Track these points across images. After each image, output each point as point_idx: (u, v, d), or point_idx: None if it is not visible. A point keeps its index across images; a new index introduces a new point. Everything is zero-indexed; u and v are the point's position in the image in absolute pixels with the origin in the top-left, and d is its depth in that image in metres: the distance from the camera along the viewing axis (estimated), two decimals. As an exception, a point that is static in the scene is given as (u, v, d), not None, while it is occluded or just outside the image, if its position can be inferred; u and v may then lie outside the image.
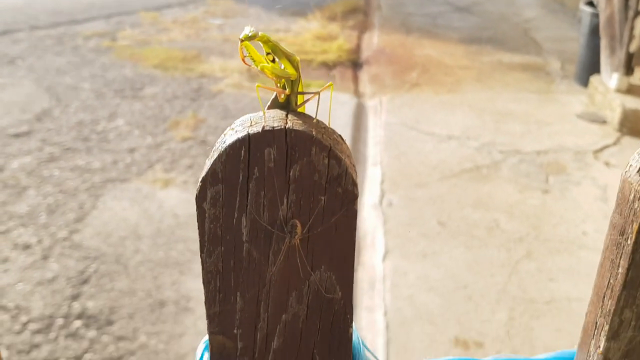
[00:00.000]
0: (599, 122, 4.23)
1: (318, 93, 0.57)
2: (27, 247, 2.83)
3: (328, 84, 0.58)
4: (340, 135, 0.56)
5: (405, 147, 3.81)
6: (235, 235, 0.55)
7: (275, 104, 0.58)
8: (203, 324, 2.37)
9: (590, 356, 0.62)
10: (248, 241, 0.55)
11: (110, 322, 2.38)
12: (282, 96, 0.57)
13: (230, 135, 0.53)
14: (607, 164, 3.66)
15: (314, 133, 0.51)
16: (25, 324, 2.36)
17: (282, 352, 0.60)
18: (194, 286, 2.59)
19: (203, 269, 0.58)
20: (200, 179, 0.54)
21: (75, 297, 2.51)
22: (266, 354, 0.60)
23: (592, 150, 3.83)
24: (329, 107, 0.59)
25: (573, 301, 2.48)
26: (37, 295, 2.51)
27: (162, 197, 3.28)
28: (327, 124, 0.56)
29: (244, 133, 0.52)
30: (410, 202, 3.20)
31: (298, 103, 0.58)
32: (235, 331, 0.60)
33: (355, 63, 5.75)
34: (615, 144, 3.92)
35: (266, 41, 0.55)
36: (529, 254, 2.79)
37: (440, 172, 3.52)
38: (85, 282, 2.60)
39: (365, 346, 0.64)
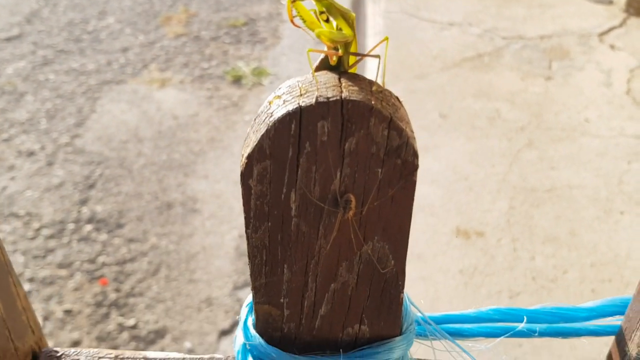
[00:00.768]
0: (605, 2, 4.08)
1: (378, 56, 0.51)
2: (31, 154, 2.84)
3: (383, 38, 0.52)
4: (397, 98, 0.51)
5: (405, 36, 3.71)
6: (284, 210, 0.52)
7: (324, 65, 0.53)
8: (211, 224, 2.44)
9: None
10: (297, 216, 0.52)
11: (120, 225, 2.44)
12: (334, 58, 0.52)
13: (279, 107, 0.48)
14: (612, 46, 3.57)
15: (372, 102, 0.46)
16: (37, 230, 2.42)
17: (329, 318, 0.59)
18: (199, 187, 2.63)
19: (248, 244, 0.55)
20: (245, 155, 0.49)
21: (83, 202, 2.55)
22: (313, 320, 0.59)
23: (597, 32, 3.73)
24: (384, 64, 0.53)
25: (574, 188, 2.52)
26: (46, 202, 2.56)
27: (159, 98, 3.24)
28: (382, 85, 0.51)
29: (295, 105, 0.46)
30: (411, 94, 3.16)
31: (350, 63, 0.53)
32: (281, 300, 0.58)
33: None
34: (621, 25, 3.80)
35: None
36: (530, 142, 2.80)
37: (441, 61, 3.44)
38: (91, 186, 2.63)
39: (412, 303, 0.63)
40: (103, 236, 2.39)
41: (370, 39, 3.73)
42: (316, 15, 0.52)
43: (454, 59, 3.46)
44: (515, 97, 3.13)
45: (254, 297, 0.59)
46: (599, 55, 3.48)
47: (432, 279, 2.18)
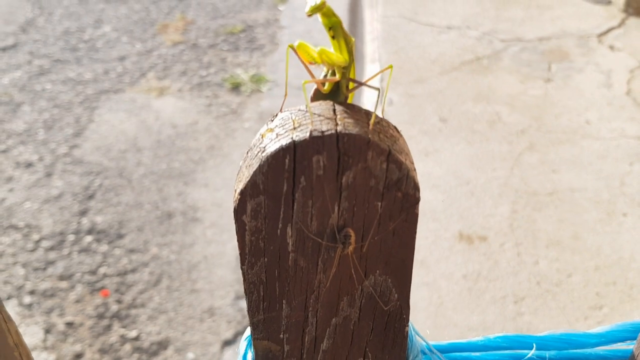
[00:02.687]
0: (603, 2, 4.07)
1: (378, 88, 0.50)
2: (29, 165, 2.82)
3: (387, 66, 0.51)
4: (395, 128, 0.50)
5: (403, 41, 3.70)
6: (280, 246, 0.50)
7: (319, 94, 0.52)
8: (212, 233, 2.42)
9: None
10: (294, 251, 0.50)
11: (120, 236, 2.42)
12: (326, 86, 0.51)
13: (271, 141, 0.46)
14: (611, 47, 3.57)
15: (369, 135, 0.45)
16: (37, 242, 2.40)
17: (331, 352, 0.57)
18: (200, 196, 2.61)
19: (245, 280, 0.53)
20: (238, 191, 0.48)
21: (83, 213, 2.54)
22: (315, 355, 0.58)
23: (596, 33, 3.72)
24: (385, 93, 0.51)
25: (576, 191, 2.51)
26: (45, 213, 2.54)
27: (158, 107, 3.23)
28: (380, 114, 0.49)
29: (288, 140, 0.45)
30: (411, 99, 3.15)
31: (350, 88, 0.51)
32: (281, 336, 0.57)
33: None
34: (620, 25, 3.80)
35: (331, 15, 0.49)
36: (531, 146, 2.79)
37: (440, 65, 3.44)
38: (91, 197, 2.62)
39: (417, 333, 0.62)
40: (103, 247, 2.38)
41: (368, 44, 3.72)
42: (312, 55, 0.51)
43: (452, 63, 3.46)
44: (515, 100, 3.12)
45: (253, 332, 0.58)
46: (599, 56, 3.48)
47: (435, 284, 2.17)
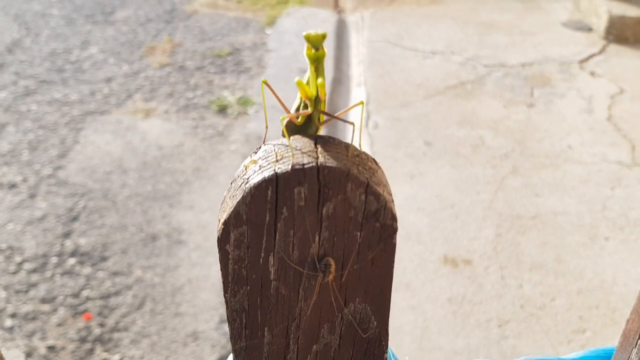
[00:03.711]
0: (584, 30, 4.17)
1: (352, 123, 0.52)
2: (12, 186, 2.80)
3: (358, 102, 0.53)
4: (374, 160, 0.52)
5: (388, 65, 3.75)
6: (263, 274, 0.52)
7: (292, 126, 0.54)
8: (197, 255, 2.41)
9: None
10: (276, 279, 0.52)
11: (104, 258, 2.40)
12: (300, 119, 0.53)
13: (255, 173, 0.48)
14: (592, 73, 3.64)
15: (349, 168, 0.47)
16: (20, 264, 2.37)
17: None
18: (185, 218, 2.60)
19: (227, 307, 0.55)
20: (222, 221, 0.50)
21: (66, 235, 2.51)
22: None
23: (577, 60, 3.80)
24: (360, 129, 0.54)
25: (559, 215, 2.54)
26: (28, 235, 2.51)
27: (144, 128, 3.23)
28: (358, 147, 0.52)
29: (271, 172, 0.47)
30: (396, 122, 3.18)
31: (321, 121, 0.54)
32: None
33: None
34: (601, 52, 3.88)
35: (322, 48, 0.51)
36: (514, 169, 2.82)
37: (424, 90, 3.48)
38: (75, 219, 2.60)
39: (396, 358, 0.63)
40: (87, 270, 2.35)
41: (354, 67, 3.76)
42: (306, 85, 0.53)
43: (437, 87, 3.50)
44: (498, 124, 3.16)
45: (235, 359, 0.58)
46: (580, 82, 3.54)
47: (420, 308, 2.17)
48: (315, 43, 0.51)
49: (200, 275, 2.33)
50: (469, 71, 3.67)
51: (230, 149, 3.08)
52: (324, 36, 0.50)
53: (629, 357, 0.60)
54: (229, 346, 2.12)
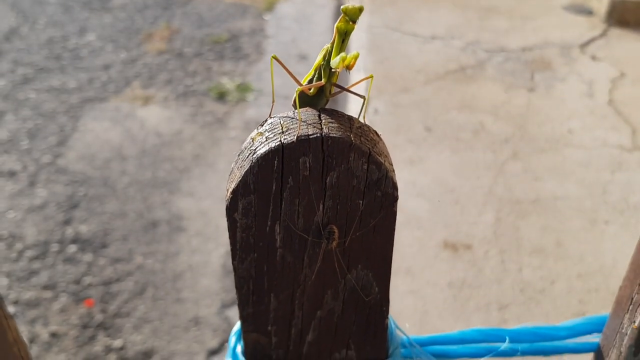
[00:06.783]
0: (585, 13, 4.14)
1: (363, 97, 0.54)
2: (12, 174, 2.80)
3: (368, 75, 0.55)
4: (375, 132, 0.54)
5: (389, 51, 3.73)
6: (269, 242, 0.53)
7: (304, 96, 0.55)
8: (197, 242, 2.41)
9: (623, 328, 0.62)
10: (282, 247, 0.54)
11: (105, 245, 2.41)
12: (312, 90, 0.54)
13: (261, 144, 0.49)
14: (593, 57, 3.62)
15: (352, 138, 0.49)
16: (21, 251, 2.38)
17: (316, 344, 0.60)
18: (185, 205, 2.61)
19: (235, 274, 0.56)
20: (230, 190, 0.51)
21: (67, 222, 2.52)
22: (301, 346, 0.61)
23: (578, 44, 3.78)
24: (366, 103, 0.56)
25: (558, 199, 2.54)
26: (29, 222, 2.52)
27: (143, 116, 3.22)
28: (363, 120, 0.53)
29: (277, 143, 0.48)
30: (396, 108, 3.17)
31: (332, 92, 0.55)
32: (269, 328, 0.60)
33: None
34: (602, 36, 3.86)
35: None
36: (514, 154, 2.82)
37: (425, 75, 3.47)
38: (75, 206, 2.60)
39: (397, 327, 0.65)
40: (88, 256, 2.36)
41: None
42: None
43: (437, 72, 3.49)
44: (498, 109, 3.15)
45: (242, 325, 0.60)
46: (581, 66, 3.53)
47: (421, 292, 2.18)
48: (354, 16, 0.52)
49: (201, 261, 2.34)
50: (469, 56, 3.65)
51: (230, 135, 3.07)
52: (361, 9, 0.52)
53: (621, 322, 0.62)
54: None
